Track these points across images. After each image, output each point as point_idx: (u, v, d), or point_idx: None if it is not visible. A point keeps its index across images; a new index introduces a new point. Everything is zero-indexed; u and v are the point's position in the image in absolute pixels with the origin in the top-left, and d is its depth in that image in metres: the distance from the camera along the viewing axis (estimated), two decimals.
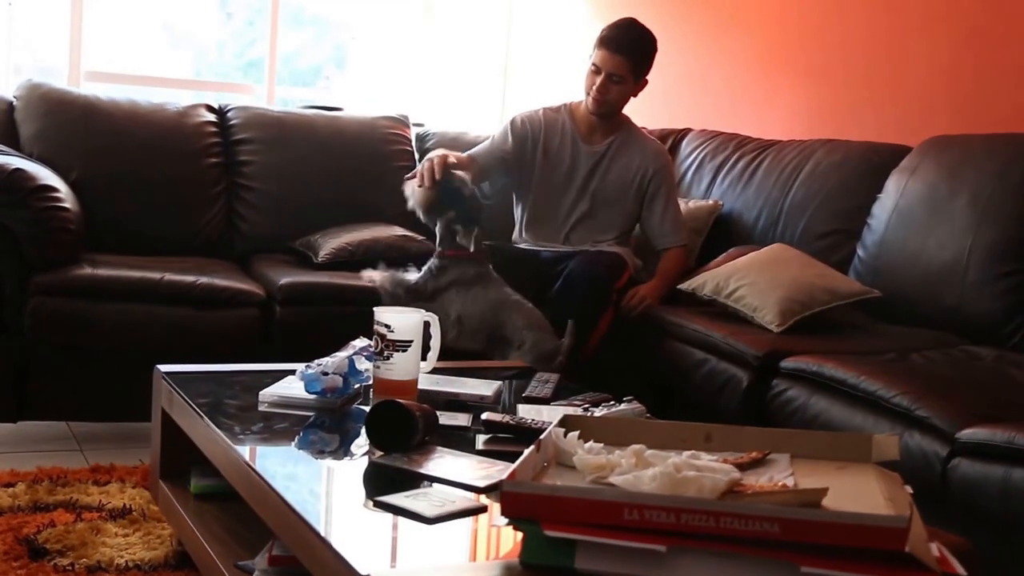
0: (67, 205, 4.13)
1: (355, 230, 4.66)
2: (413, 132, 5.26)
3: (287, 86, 6.90)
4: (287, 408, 2.75)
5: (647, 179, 4.42)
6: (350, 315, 4.11)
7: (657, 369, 4.02)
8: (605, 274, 4.18)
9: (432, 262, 4.05)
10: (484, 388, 2.91)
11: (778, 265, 4.04)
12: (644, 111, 4.67)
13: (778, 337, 3.73)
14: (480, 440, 2.53)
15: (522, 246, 4.48)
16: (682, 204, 4.75)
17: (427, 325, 2.87)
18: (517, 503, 1.75)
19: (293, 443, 2.58)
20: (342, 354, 2.82)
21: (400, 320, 2.76)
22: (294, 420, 2.69)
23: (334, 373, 2.74)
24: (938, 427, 2.88)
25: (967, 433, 2.79)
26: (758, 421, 3.53)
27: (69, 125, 4.67)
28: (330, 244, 4.56)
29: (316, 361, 2.78)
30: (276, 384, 2.84)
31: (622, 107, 4.42)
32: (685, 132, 5.30)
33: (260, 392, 2.79)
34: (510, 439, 2.51)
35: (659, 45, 4.36)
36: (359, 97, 6.82)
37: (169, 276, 4.12)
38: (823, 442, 2.31)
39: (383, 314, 2.76)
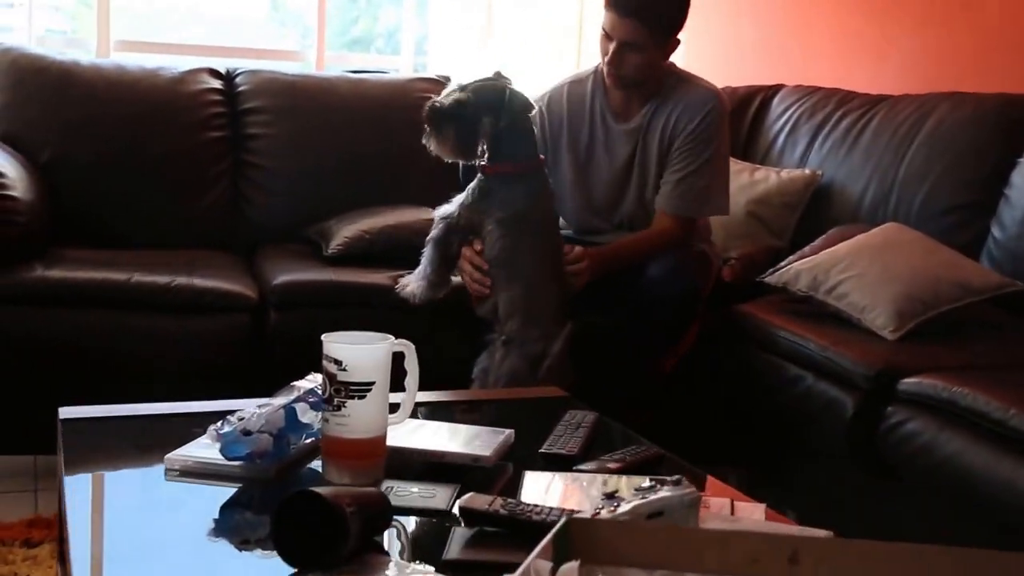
0: (14, 193, 3.36)
1: (378, 214, 3.84)
2: None
3: (343, 52, 6.03)
4: (202, 478, 1.93)
5: (677, 132, 3.37)
6: (362, 320, 3.26)
7: (735, 387, 3.16)
8: (691, 283, 3.27)
9: (473, 183, 3.16)
10: (483, 441, 2.06)
11: (892, 251, 3.17)
12: (726, 65, 3.78)
13: (894, 347, 2.91)
14: (455, 539, 1.68)
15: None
16: (771, 173, 3.87)
17: (398, 357, 2.01)
18: None
19: (199, 537, 1.75)
20: (277, 401, 1.99)
21: (356, 354, 1.90)
22: (207, 498, 1.86)
23: (262, 431, 1.90)
24: None
25: None
26: (867, 463, 2.67)
27: (40, 96, 3.91)
28: (344, 232, 3.74)
29: (238, 412, 1.94)
30: (192, 443, 2.01)
31: (649, 76, 3.37)
32: (776, 88, 4.38)
33: (167, 456, 1.96)
34: (501, 535, 1.67)
35: None
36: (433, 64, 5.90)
37: (139, 277, 3.35)
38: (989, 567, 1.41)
39: (332, 345, 1.91)
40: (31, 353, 3.22)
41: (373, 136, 4.14)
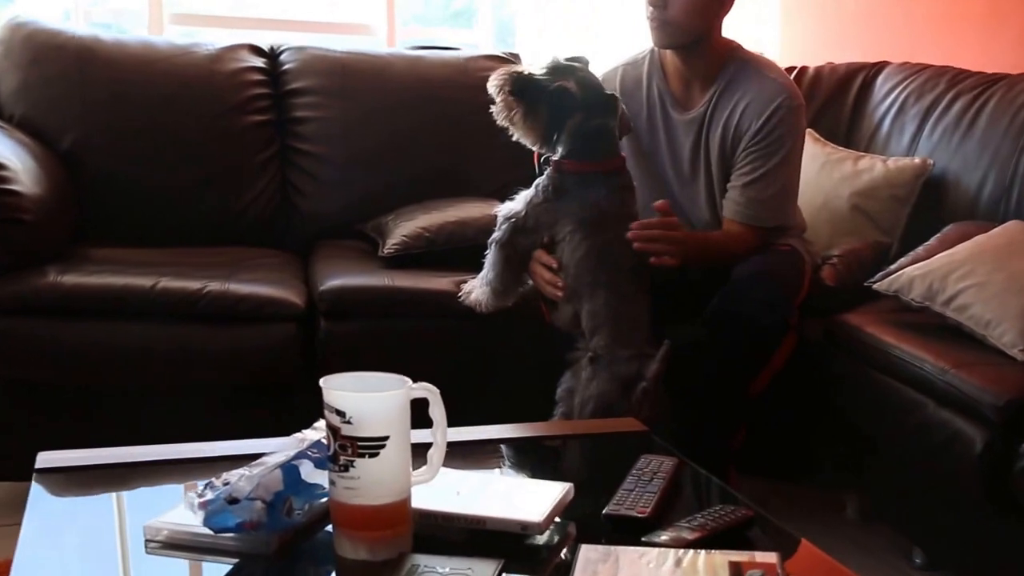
0: (17, 187, 2.98)
1: (439, 209, 3.48)
2: None
3: (422, 26, 5.61)
4: (190, 552, 1.56)
5: (742, 131, 2.92)
6: (423, 331, 3.07)
7: (843, 407, 2.75)
8: (781, 291, 2.84)
9: (542, 180, 2.77)
10: (534, 501, 1.67)
11: (1018, 256, 2.77)
12: (824, 40, 3.32)
13: None
14: None
15: None
16: (877, 162, 3.44)
17: (419, 403, 1.63)
18: None
19: None
20: (273, 458, 1.61)
21: (363, 404, 1.52)
22: None
23: (251, 497, 1.52)
24: None
25: None
26: (1002, 504, 2.26)
27: (61, 76, 3.56)
28: (402, 230, 3.38)
29: (225, 475, 1.56)
30: (182, 505, 1.63)
31: (702, 25, 2.88)
32: (880, 66, 3.92)
33: (147, 524, 1.60)
34: None
35: None
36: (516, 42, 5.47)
37: (167, 282, 3.00)
38: None
39: (332, 392, 1.52)
40: (40, 370, 2.91)
41: (433, 119, 3.77)
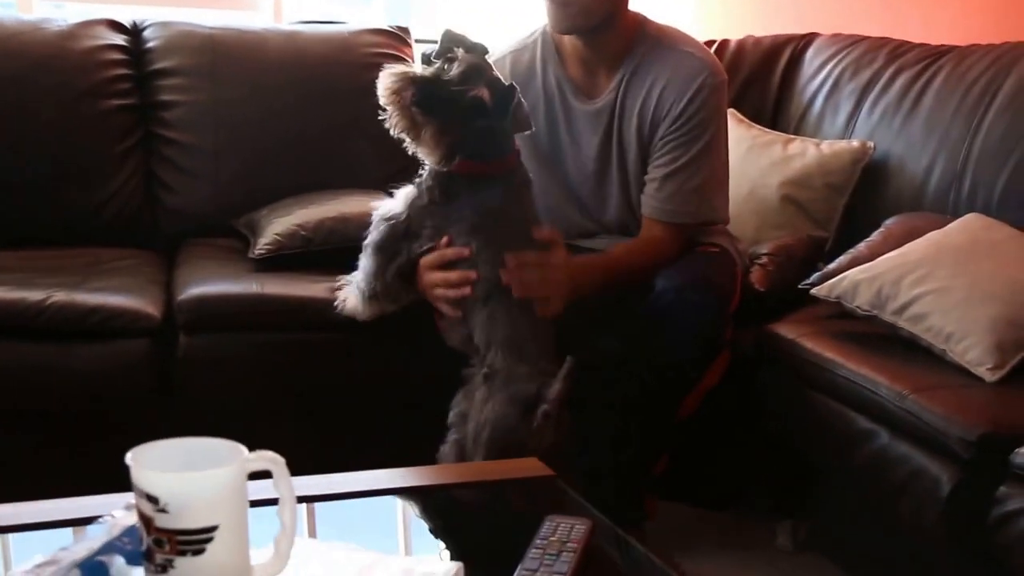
0: None
1: (318, 203, 2.98)
2: (417, 53, 3.46)
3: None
4: None
5: (660, 116, 2.49)
6: (297, 346, 2.61)
7: (778, 437, 2.35)
8: (715, 301, 2.40)
9: (426, 180, 2.33)
10: None
11: (981, 255, 2.36)
12: (742, 12, 2.89)
13: (996, 394, 2.10)
14: None
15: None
16: (809, 146, 3.02)
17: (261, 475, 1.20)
18: None
19: None
20: (72, 552, 1.19)
21: (181, 486, 1.10)
22: None
23: None
24: None
25: None
26: (972, 552, 1.89)
27: None
28: (275, 227, 2.89)
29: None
30: None
31: (605, 10, 2.45)
32: (809, 39, 3.46)
33: None
34: None
35: None
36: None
37: (3, 293, 2.54)
38: None
39: (141, 472, 1.10)
40: None
41: (313, 102, 3.25)
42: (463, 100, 2.18)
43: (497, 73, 2.27)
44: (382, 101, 2.22)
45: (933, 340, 2.20)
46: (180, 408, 2.52)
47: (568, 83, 2.55)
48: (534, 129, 2.37)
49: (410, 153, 2.28)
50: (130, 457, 1.14)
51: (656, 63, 2.49)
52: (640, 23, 2.53)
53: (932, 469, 1.99)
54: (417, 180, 2.33)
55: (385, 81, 2.22)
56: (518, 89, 2.27)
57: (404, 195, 2.34)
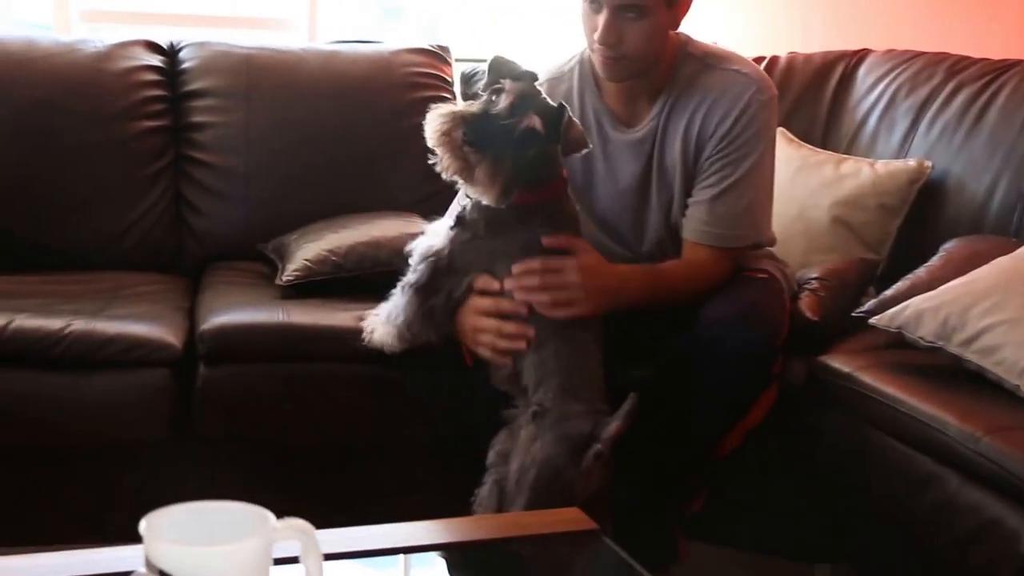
0: None
1: (349, 226, 2.80)
2: (457, 72, 3.29)
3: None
4: None
5: (705, 137, 2.27)
6: (322, 378, 2.43)
7: (829, 477, 2.13)
8: (764, 334, 2.17)
9: (469, 212, 2.13)
10: None
11: None
12: (789, 29, 2.69)
13: None
14: None
15: None
16: (863, 166, 2.80)
17: None
18: None
19: None
20: None
21: (198, 561, 0.99)
22: None
23: None
24: None
25: None
26: None
27: None
28: (304, 252, 2.70)
29: None
30: None
31: (658, 55, 2.26)
32: (862, 55, 3.19)
33: None
34: None
35: None
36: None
37: (22, 320, 2.37)
38: None
39: (153, 544, 0.95)
40: None
41: (349, 123, 3.06)
42: (515, 132, 1.99)
43: (546, 97, 2.07)
44: (431, 143, 2.01)
45: (1005, 375, 1.97)
46: (199, 444, 2.35)
47: (607, 113, 2.34)
48: (591, 147, 2.17)
49: (465, 195, 2.11)
50: (144, 527, 0.99)
51: (701, 85, 2.28)
52: (683, 45, 2.32)
53: (1009, 520, 1.77)
54: (459, 213, 2.13)
55: (434, 123, 2.02)
56: (568, 108, 2.08)
57: (442, 230, 2.14)
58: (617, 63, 2.22)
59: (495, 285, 2.11)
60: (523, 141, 1.99)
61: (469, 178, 2.01)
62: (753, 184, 2.27)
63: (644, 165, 2.32)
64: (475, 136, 1.98)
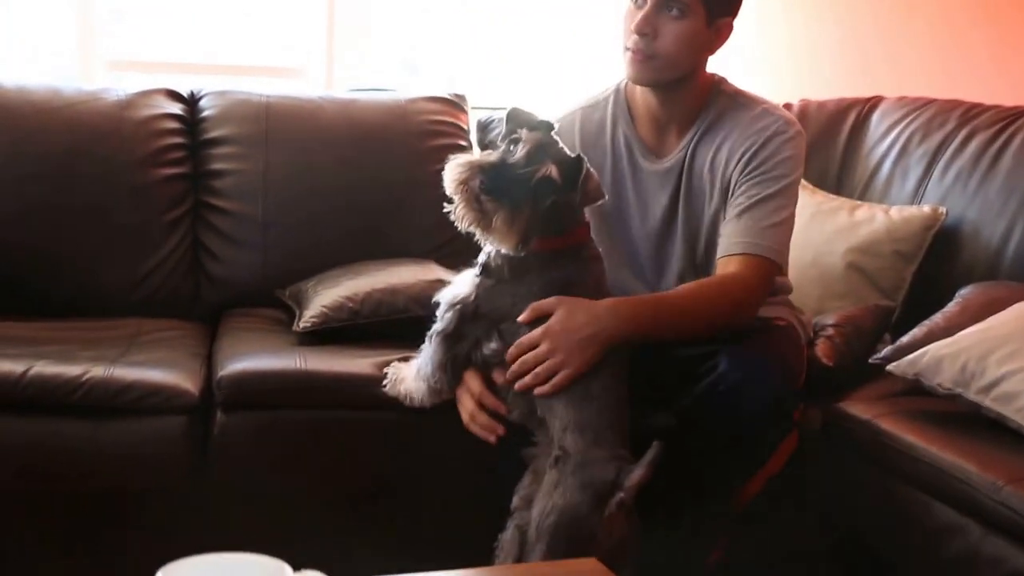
0: None
1: (367, 273, 2.76)
2: (472, 120, 3.26)
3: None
4: None
5: (731, 167, 2.25)
6: (340, 425, 2.38)
7: (846, 527, 2.08)
8: (786, 381, 2.13)
9: (494, 259, 2.11)
10: None
11: None
12: (802, 75, 2.66)
13: None
14: None
15: None
16: (877, 212, 2.78)
17: None
18: None
19: None
20: None
21: None
22: None
23: None
24: None
25: None
26: None
27: None
28: (322, 299, 2.66)
29: None
30: None
31: (692, 60, 2.25)
32: (875, 102, 3.18)
33: None
34: None
35: None
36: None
37: (41, 367, 2.32)
38: None
39: None
40: None
41: (367, 170, 3.03)
42: (532, 181, 1.96)
43: (563, 147, 2.06)
44: (449, 192, 1.99)
45: None
46: (216, 491, 2.31)
47: (637, 142, 2.33)
48: (606, 199, 2.14)
49: (484, 247, 2.08)
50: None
51: (730, 119, 2.27)
52: (717, 83, 2.31)
53: None
54: (484, 260, 2.11)
55: (452, 173, 1.99)
56: (586, 159, 2.05)
57: (467, 278, 2.12)
58: (647, 62, 2.21)
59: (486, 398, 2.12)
60: (540, 190, 1.97)
61: (487, 228, 1.98)
62: (781, 204, 2.23)
63: (672, 194, 2.30)
64: (493, 185, 1.96)
